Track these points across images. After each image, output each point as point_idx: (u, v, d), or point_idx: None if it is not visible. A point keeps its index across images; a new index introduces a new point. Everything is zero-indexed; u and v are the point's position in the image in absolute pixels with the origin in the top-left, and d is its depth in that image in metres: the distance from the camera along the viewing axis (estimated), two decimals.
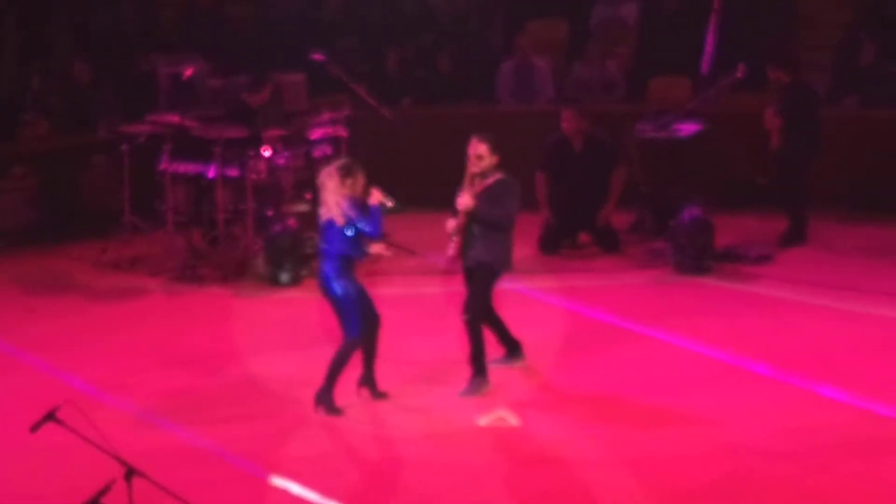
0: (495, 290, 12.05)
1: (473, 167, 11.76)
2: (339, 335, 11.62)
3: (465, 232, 11.69)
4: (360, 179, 11.41)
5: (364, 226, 11.33)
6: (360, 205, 11.35)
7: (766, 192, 16.22)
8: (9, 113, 16.88)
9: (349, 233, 11.30)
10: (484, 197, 11.66)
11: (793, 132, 15.44)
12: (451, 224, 11.77)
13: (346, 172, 11.36)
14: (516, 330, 12.44)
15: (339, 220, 11.31)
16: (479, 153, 11.73)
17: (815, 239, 15.67)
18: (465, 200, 11.63)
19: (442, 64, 18.24)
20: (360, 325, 11.47)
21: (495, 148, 11.75)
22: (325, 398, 11.50)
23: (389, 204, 11.46)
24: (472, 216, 11.64)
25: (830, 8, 18.84)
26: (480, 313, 11.84)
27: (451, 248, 11.80)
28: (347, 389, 11.58)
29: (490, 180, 11.73)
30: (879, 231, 15.92)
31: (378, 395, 11.69)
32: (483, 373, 11.87)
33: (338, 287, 11.40)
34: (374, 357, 11.67)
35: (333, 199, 11.33)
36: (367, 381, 11.71)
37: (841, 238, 15.75)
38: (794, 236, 15.69)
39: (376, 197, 11.41)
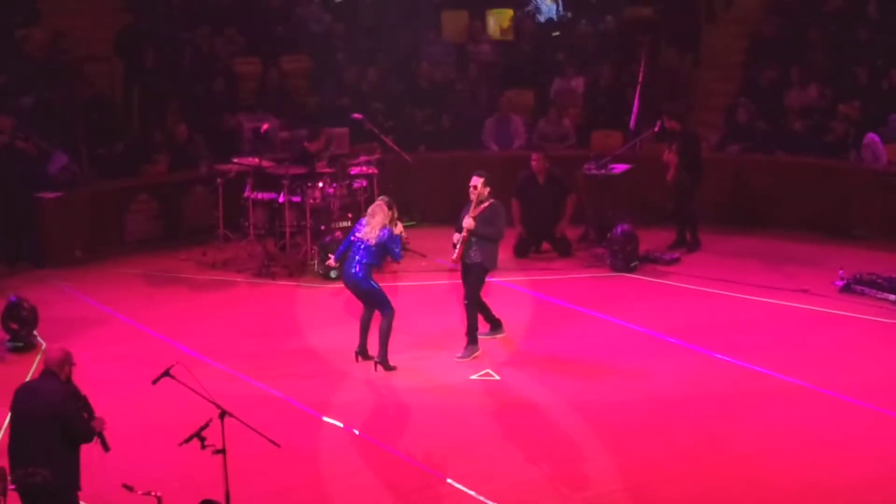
0: (485, 283, 12.09)
1: (472, 195, 11.80)
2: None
3: (465, 241, 11.73)
4: (395, 212, 11.50)
5: (395, 251, 11.46)
6: (391, 234, 11.48)
7: (673, 212, 16.20)
8: (135, 157, 16.87)
9: (375, 248, 11.36)
10: (480, 218, 11.69)
11: (683, 168, 15.40)
12: (456, 237, 11.79)
13: (390, 206, 11.45)
14: (498, 311, 12.44)
15: (372, 240, 11.33)
16: (474, 184, 11.79)
17: (708, 246, 15.57)
18: (467, 222, 11.65)
19: (445, 121, 18.22)
20: (389, 302, 11.49)
21: (487, 181, 11.80)
22: (383, 360, 11.51)
23: (405, 235, 11.60)
24: (472, 233, 11.68)
25: (720, 81, 18.81)
26: (475, 299, 11.87)
27: (455, 254, 11.83)
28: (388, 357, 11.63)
29: (485, 205, 11.76)
30: (753, 240, 15.82)
31: (370, 358, 11.61)
32: (475, 342, 11.87)
33: (366, 285, 11.43)
34: (367, 333, 11.65)
35: (378, 224, 11.37)
36: (362, 351, 11.69)
37: (727, 245, 15.65)
38: (689, 244, 15.53)
39: (400, 228, 11.50)
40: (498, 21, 20.32)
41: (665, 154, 15.47)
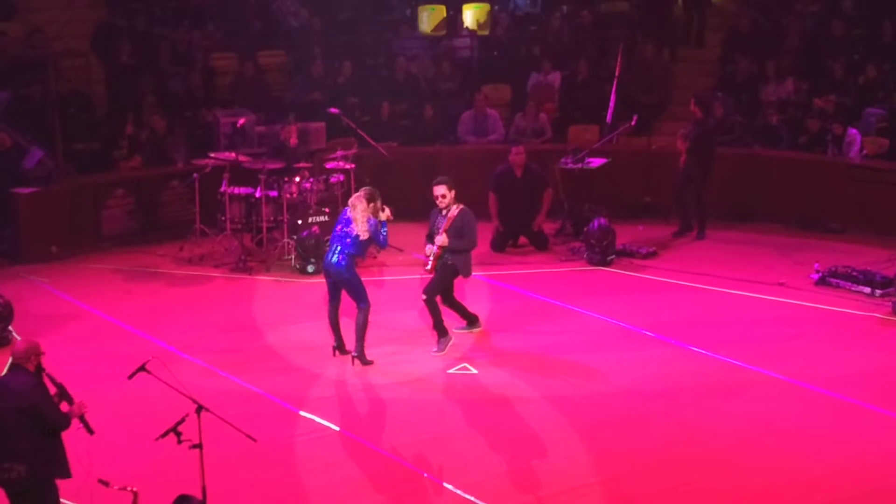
0: (453, 284, 12.05)
1: (440, 203, 11.75)
2: (349, 310, 11.67)
3: (439, 255, 11.71)
4: (378, 203, 11.46)
5: (381, 238, 11.41)
6: (377, 224, 11.44)
7: (651, 207, 16.26)
8: (111, 152, 16.81)
9: (363, 240, 11.35)
10: (452, 231, 11.67)
11: (696, 157, 15.37)
12: (429, 248, 11.75)
13: (370, 198, 11.41)
14: (475, 305, 12.51)
15: (363, 235, 11.34)
16: (441, 193, 11.73)
17: (685, 240, 15.62)
18: (440, 240, 11.63)
19: (422, 115, 18.21)
20: (367, 295, 11.49)
21: (452, 185, 11.77)
22: (360, 355, 11.51)
23: (391, 218, 11.53)
24: (446, 249, 11.66)
25: (696, 76, 18.89)
26: (433, 296, 11.80)
27: (430, 266, 11.78)
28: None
29: (454, 213, 11.71)
30: (730, 234, 15.85)
31: (347, 352, 11.61)
32: (445, 334, 11.88)
33: (348, 274, 11.42)
34: (339, 327, 11.65)
35: (362, 217, 11.35)
36: (339, 345, 11.70)
37: (703, 239, 15.68)
38: (698, 232, 15.66)
39: (387, 215, 11.48)
40: (475, 15, 20.36)
41: (680, 140, 15.50)
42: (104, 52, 17.97)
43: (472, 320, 12.33)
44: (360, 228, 11.33)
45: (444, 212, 11.74)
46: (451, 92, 18.84)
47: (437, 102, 18.41)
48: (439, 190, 11.73)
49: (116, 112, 17.53)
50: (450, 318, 12.06)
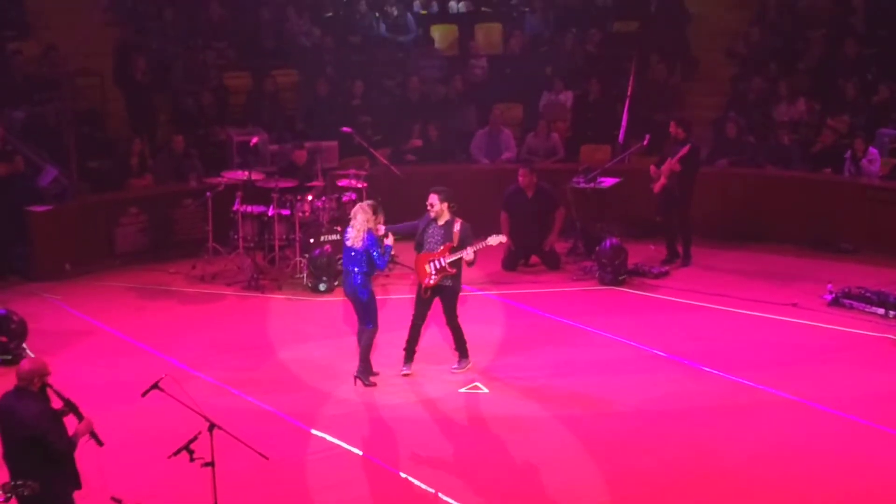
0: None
1: (430, 212, 11.61)
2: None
3: (442, 271, 11.60)
4: (381, 218, 11.44)
5: (375, 254, 11.31)
6: (376, 239, 11.38)
7: (662, 226, 16.23)
8: (121, 171, 16.88)
9: (371, 254, 11.30)
10: (460, 244, 11.58)
11: (683, 179, 15.33)
12: (430, 267, 11.59)
13: (374, 210, 11.40)
14: (486, 324, 12.52)
15: (357, 244, 11.31)
16: (431, 202, 11.61)
17: (697, 260, 15.59)
18: (469, 257, 11.44)
19: (433, 135, 18.21)
20: (377, 319, 11.48)
21: (445, 198, 11.62)
22: (362, 374, 11.51)
23: (383, 233, 11.46)
24: (466, 264, 11.56)
25: (709, 95, 18.90)
26: (455, 320, 11.78)
27: (433, 280, 11.59)
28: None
29: (457, 229, 11.60)
30: (742, 254, 15.88)
31: (374, 375, 11.63)
32: (467, 356, 11.90)
33: (364, 293, 11.41)
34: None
35: (361, 228, 11.32)
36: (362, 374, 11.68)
37: (716, 259, 15.66)
38: (681, 257, 15.57)
39: (391, 240, 11.45)
40: (487, 35, 20.39)
41: (653, 168, 15.45)
42: (121, 70, 18.06)
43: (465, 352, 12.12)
44: (355, 237, 11.29)
45: (438, 221, 11.69)
46: (465, 111, 18.73)
47: (449, 121, 18.37)
48: (432, 198, 11.67)
49: (131, 130, 17.58)
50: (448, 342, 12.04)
